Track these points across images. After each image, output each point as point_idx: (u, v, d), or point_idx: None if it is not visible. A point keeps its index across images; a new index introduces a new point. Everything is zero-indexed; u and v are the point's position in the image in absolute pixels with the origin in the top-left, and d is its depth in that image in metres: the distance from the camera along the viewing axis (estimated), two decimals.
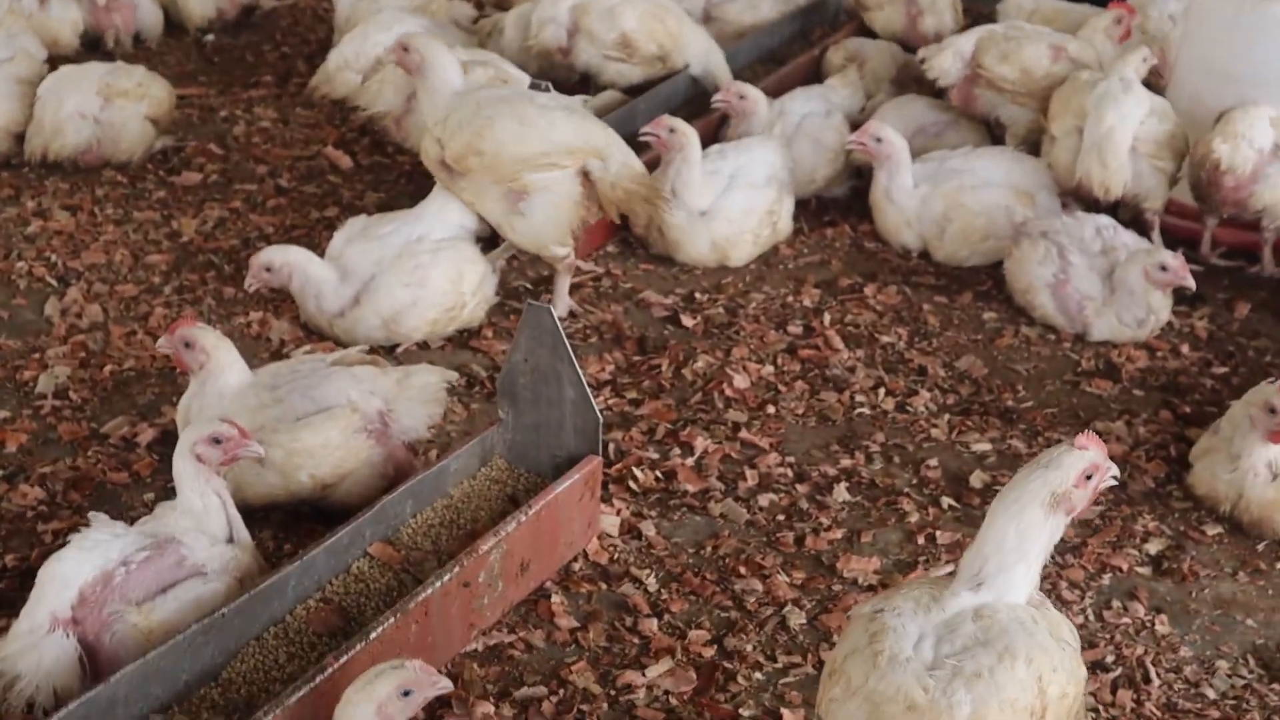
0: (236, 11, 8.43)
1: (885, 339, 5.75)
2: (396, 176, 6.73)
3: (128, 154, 6.63)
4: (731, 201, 6.16)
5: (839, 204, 6.82)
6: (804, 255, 6.39)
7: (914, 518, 4.74)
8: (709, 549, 4.55)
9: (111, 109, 6.55)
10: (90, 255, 5.91)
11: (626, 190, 5.65)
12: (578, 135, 5.56)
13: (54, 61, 7.57)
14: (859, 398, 5.36)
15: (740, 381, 5.38)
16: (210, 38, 8.29)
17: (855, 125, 6.95)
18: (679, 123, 6.02)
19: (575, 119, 5.62)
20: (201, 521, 3.97)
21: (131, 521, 4.28)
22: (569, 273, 5.76)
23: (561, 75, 7.65)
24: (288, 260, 5.35)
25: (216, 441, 4.02)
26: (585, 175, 5.62)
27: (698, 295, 5.99)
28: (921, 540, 4.63)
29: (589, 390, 4.41)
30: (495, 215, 5.58)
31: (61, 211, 6.24)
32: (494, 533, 4.09)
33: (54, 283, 5.73)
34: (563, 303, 5.75)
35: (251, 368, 4.56)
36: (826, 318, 5.85)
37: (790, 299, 6.01)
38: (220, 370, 4.48)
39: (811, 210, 6.73)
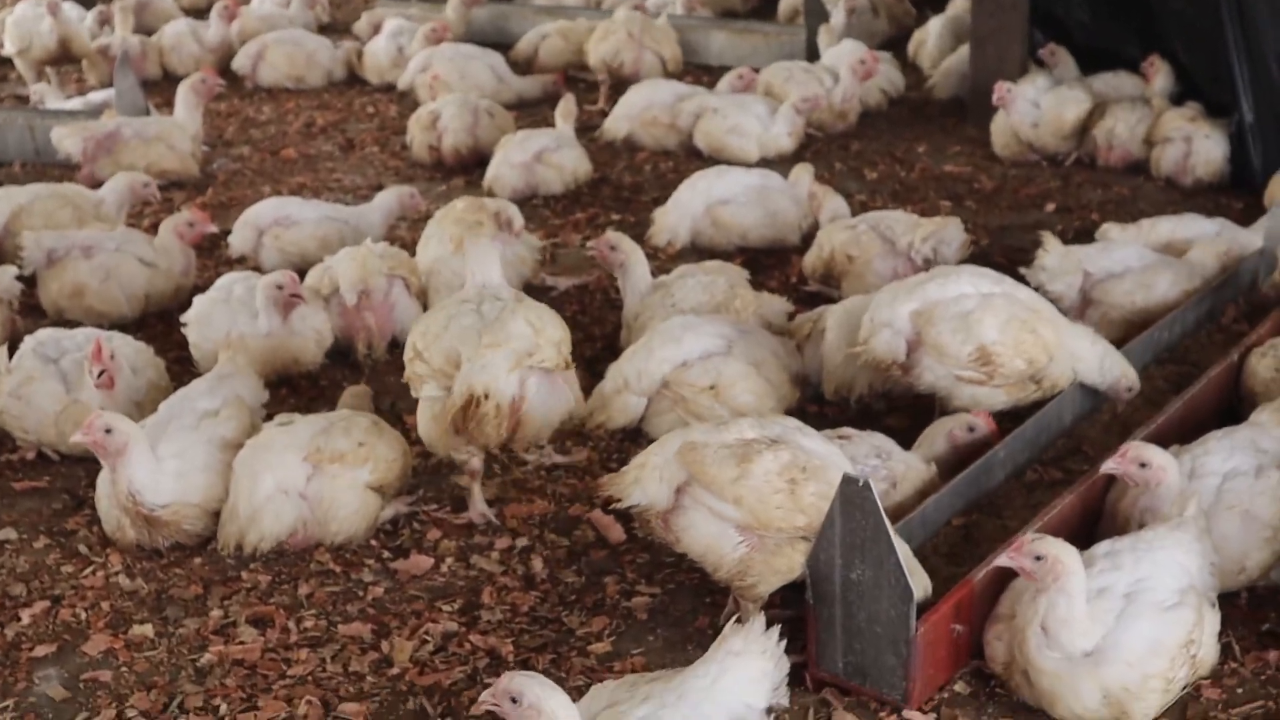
0: None
1: None
2: (679, 562, 5.15)
3: (344, 535, 5.29)
4: (1131, 635, 4.31)
5: None
6: (1238, 700, 4.49)
7: None
8: None
9: (322, 479, 5.22)
10: (269, 706, 4.51)
11: None
12: None
13: (291, 384, 6.44)
14: None
15: None
16: None
17: None
18: (1053, 547, 4.25)
19: None
20: None
21: None
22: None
23: (899, 392, 6.05)
24: (541, 707, 3.76)
25: None
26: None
27: None
28: None
29: None
30: None
31: (249, 628, 4.89)
32: None
33: None
34: None
35: None
36: None
37: None
38: None
39: (1241, 611, 4.84)
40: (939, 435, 5.54)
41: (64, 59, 11.37)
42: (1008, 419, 5.70)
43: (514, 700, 3.77)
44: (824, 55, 10.40)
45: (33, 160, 9.81)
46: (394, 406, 6.37)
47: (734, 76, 9.94)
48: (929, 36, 11.17)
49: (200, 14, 13.40)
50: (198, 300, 6.64)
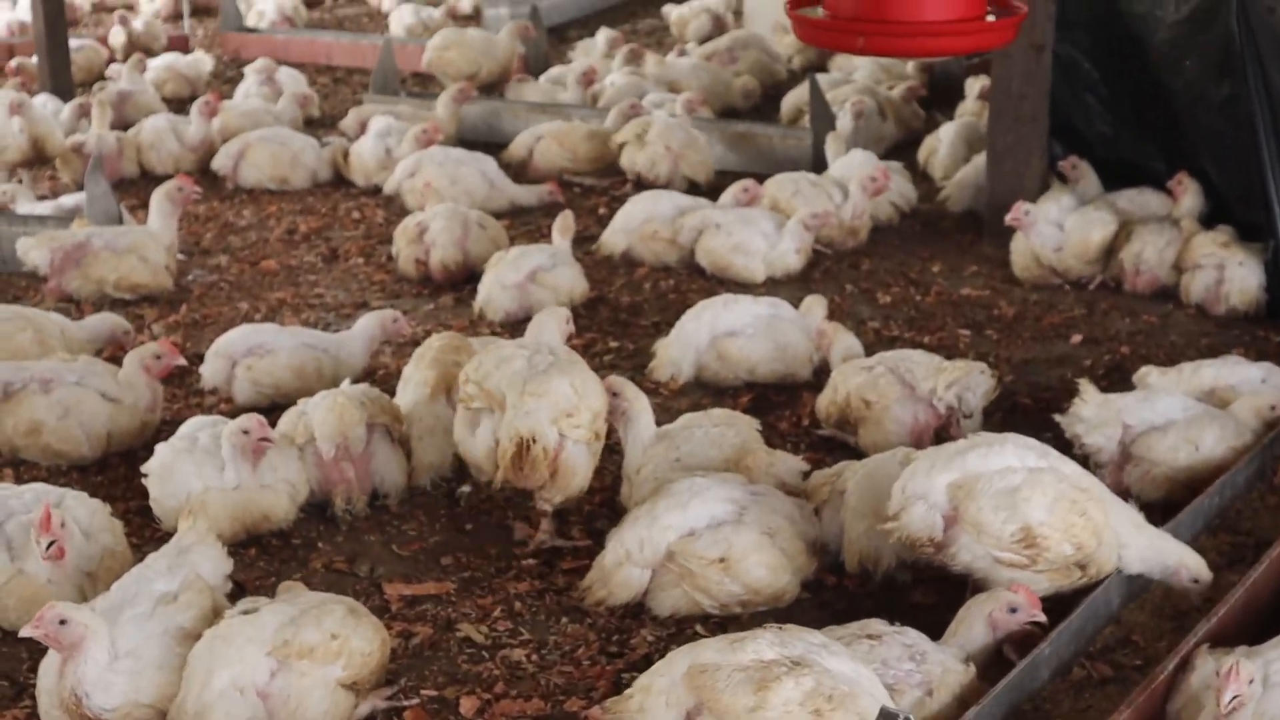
0: None
1: None
2: None
3: None
4: None
5: None
6: None
7: None
8: None
9: (288, 677, 4.64)
10: None
11: None
12: None
13: (261, 543, 5.89)
14: None
15: None
16: (466, 489, 6.42)
17: None
18: None
19: None
20: None
21: None
22: None
23: (926, 561, 5.50)
24: None
25: None
26: None
27: None
28: None
29: None
30: None
31: None
32: None
33: None
34: None
35: None
36: None
37: None
38: None
39: None
40: (977, 621, 4.99)
41: (38, 160, 10.83)
42: (1048, 603, 5.15)
43: None
44: (832, 166, 9.90)
45: None
46: (373, 573, 5.83)
47: (738, 189, 9.42)
48: (940, 144, 10.66)
49: (184, 105, 12.91)
50: (160, 449, 6.09)
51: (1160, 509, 5.93)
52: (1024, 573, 5.14)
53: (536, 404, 5.61)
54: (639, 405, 6.12)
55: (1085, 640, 5.15)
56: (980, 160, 9.77)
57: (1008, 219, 8.46)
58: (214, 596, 5.03)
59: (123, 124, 12.02)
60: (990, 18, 5.61)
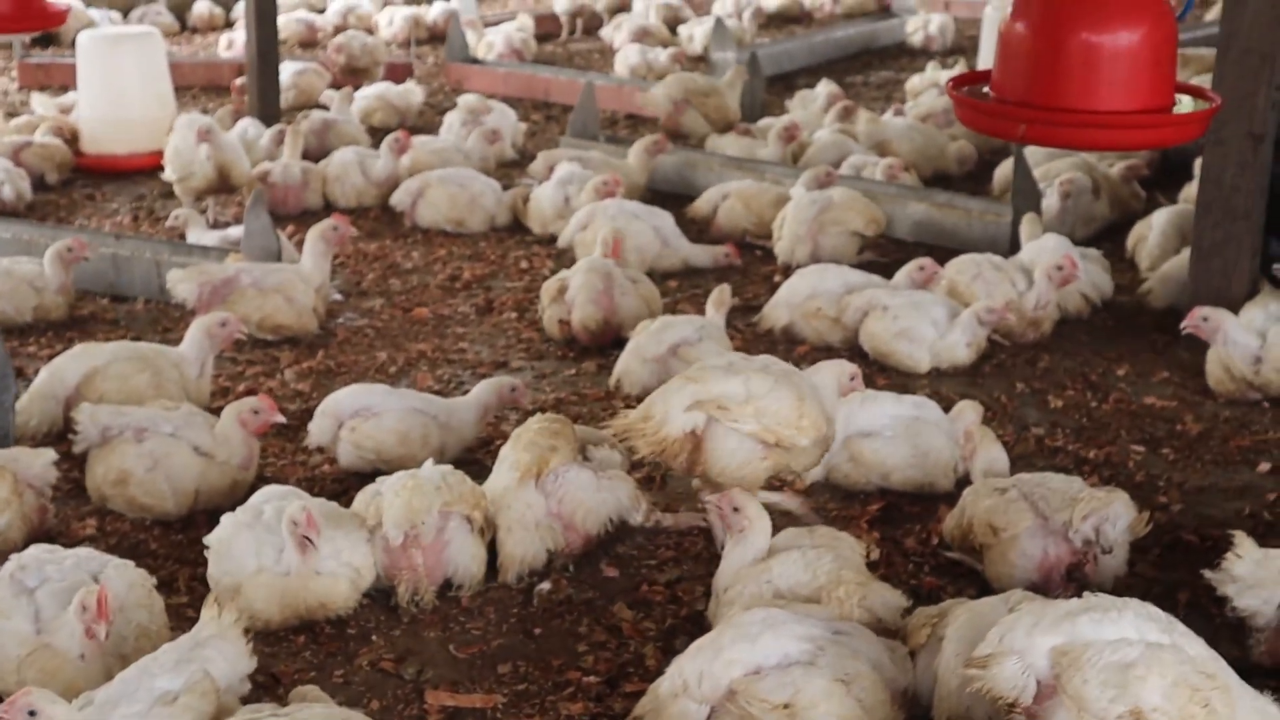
0: (581, 543, 6.10)
1: None
2: None
3: None
4: None
5: None
6: None
7: None
8: None
9: None
10: None
11: None
12: None
13: (313, 630, 5.53)
14: None
15: None
16: (545, 587, 5.96)
17: None
18: None
19: None
20: None
21: None
22: None
23: None
24: None
25: None
26: None
27: None
28: None
29: None
30: None
31: None
32: None
33: None
34: None
35: None
36: None
37: None
38: None
39: None
40: None
41: (224, 188, 10.80)
42: None
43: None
44: (1024, 248, 9.16)
45: (156, 298, 9.23)
46: (420, 676, 5.40)
47: (913, 268, 8.76)
48: (1151, 231, 9.78)
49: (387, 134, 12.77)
50: (224, 520, 5.78)
51: None
52: None
53: (681, 385, 5.76)
54: (757, 527, 5.56)
55: None
56: (1189, 254, 8.91)
57: (1183, 325, 7.64)
58: (221, 700, 4.66)
59: (325, 153, 11.98)
60: (1190, 104, 4.99)
